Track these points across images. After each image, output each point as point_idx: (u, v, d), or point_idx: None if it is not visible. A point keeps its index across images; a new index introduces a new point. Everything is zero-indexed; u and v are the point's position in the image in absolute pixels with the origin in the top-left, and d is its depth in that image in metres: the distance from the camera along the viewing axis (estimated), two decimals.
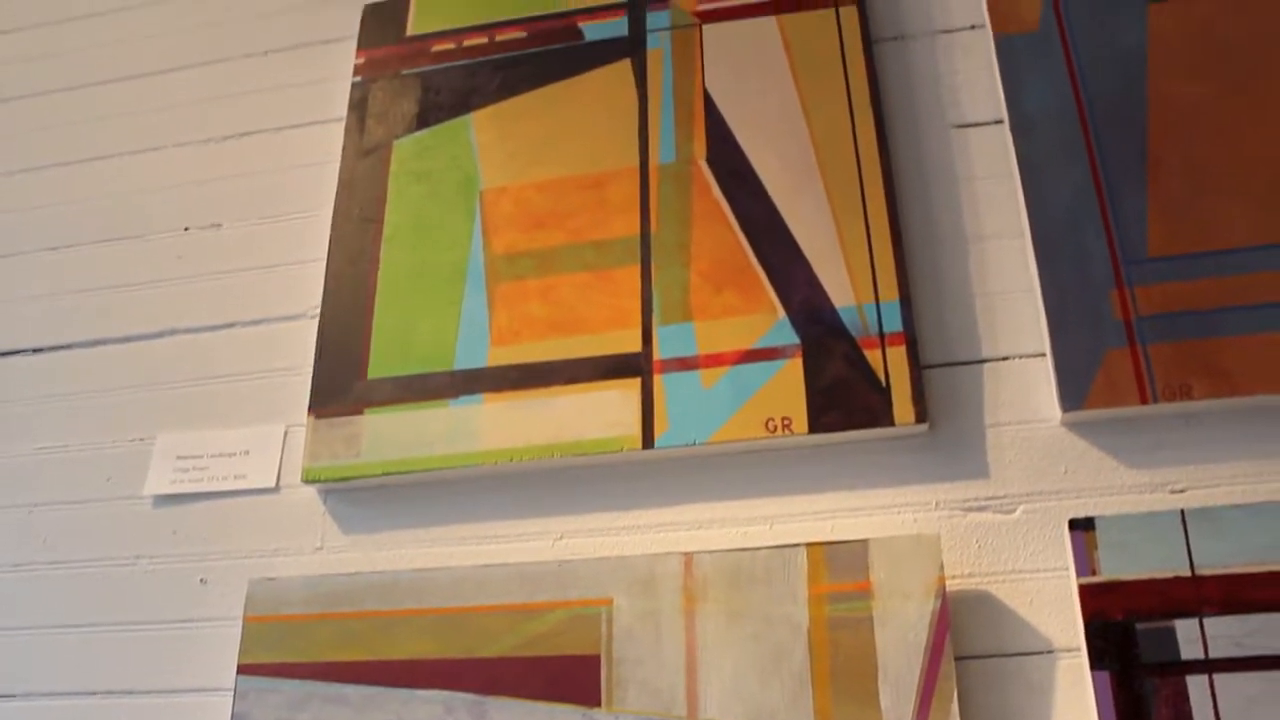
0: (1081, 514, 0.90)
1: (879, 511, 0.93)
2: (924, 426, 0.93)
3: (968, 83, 1.08)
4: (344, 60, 1.24)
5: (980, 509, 0.92)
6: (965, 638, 0.87)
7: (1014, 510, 0.92)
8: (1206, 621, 0.84)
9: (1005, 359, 0.97)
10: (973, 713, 0.85)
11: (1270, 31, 1.03)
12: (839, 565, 0.88)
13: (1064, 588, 0.87)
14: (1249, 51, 1.03)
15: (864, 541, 0.89)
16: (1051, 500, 0.91)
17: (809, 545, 0.90)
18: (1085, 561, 0.86)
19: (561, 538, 0.97)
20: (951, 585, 0.89)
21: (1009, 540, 0.91)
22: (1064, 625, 0.86)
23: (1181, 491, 0.91)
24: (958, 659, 0.87)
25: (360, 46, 1.21)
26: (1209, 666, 0.83)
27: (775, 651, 0.87)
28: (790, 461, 0.95)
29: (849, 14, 1.10)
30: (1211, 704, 0.82)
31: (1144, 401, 0.91)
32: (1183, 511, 0.87)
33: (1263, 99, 1.00)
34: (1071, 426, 0.94)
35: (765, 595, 0.89)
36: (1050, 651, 0.87)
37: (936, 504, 0.92)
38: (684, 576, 0.91)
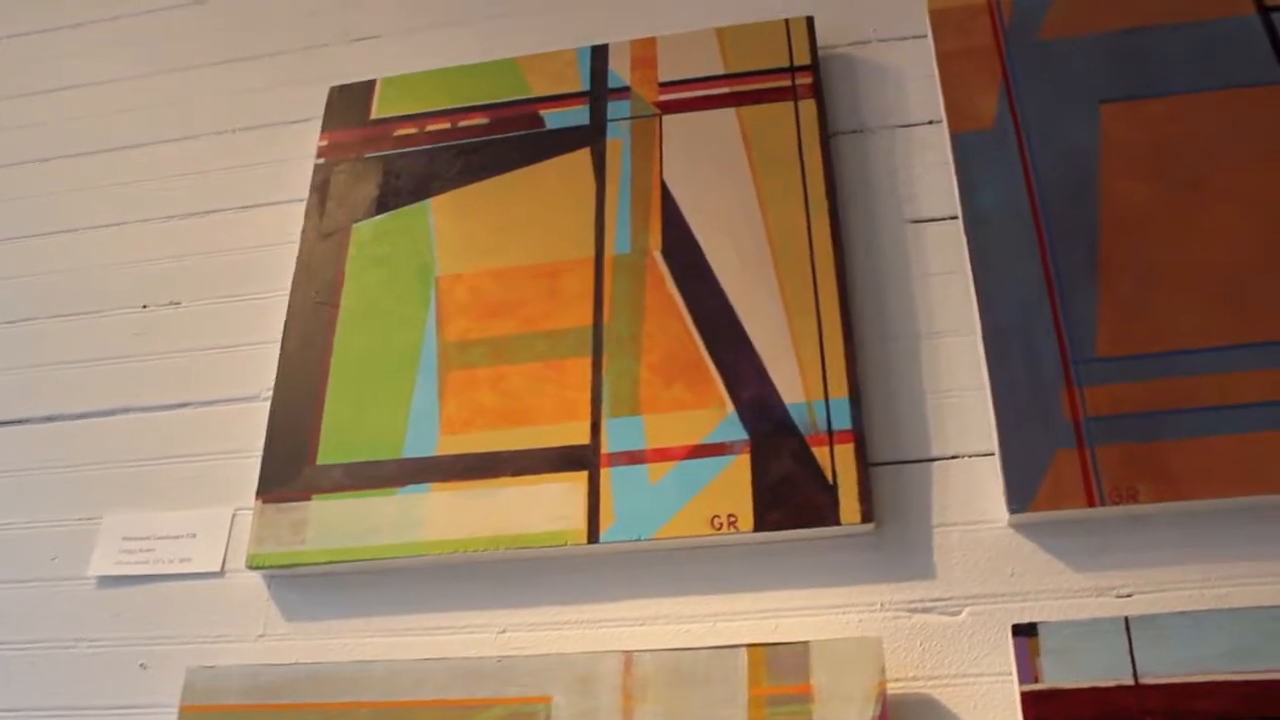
0: (1027, 618, 0.89)
1: (823, 611, 0.92)
2: (870, 526, 0.92)
3: (924, 178, 1.09)
4: (309, 140, 1.24)
5: (925, 610, 0.91)
6: None
7: (959, 612, 0.91)
8: None
9: (955, 458, 0.96)
10: None
11: (1217, 131, 1.04)
12: (779, 667, 0.87)
13: (1008, 694, 0.86)
14: (1198, 151, 1.03)
15: (805, 644, 0.88)
16: (998, 603, 0.91)
17: (750, 646, 0.88)
18: (1028, 668, 0.85)
19: (504, 631, 0.95)
20: (894, 689, 0.88)
21: (954, 643, 0.90)
22: None
23: (1128, 596, 0.90)
24: None
25: (324, 128, 1.21)
26: None
27: None
28: (735, 559, 0.94)
29: (807, 108, 1.10)
30: None
31: (1091, 504, 0.91)
32: (1127, 619, 0.86)
33: (1211, 199, 1.01)
34: (1019, 528, 0.93)
35: (705, 697, 0.88)
36: None
37: (881, 605, 0.91)
38: (623, 675, 0.89)
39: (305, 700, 0.93)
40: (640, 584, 0.95)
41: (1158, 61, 1.09)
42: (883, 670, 0.86)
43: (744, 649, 0.88)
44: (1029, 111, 1.07)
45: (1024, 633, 0.86)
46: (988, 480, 0.94)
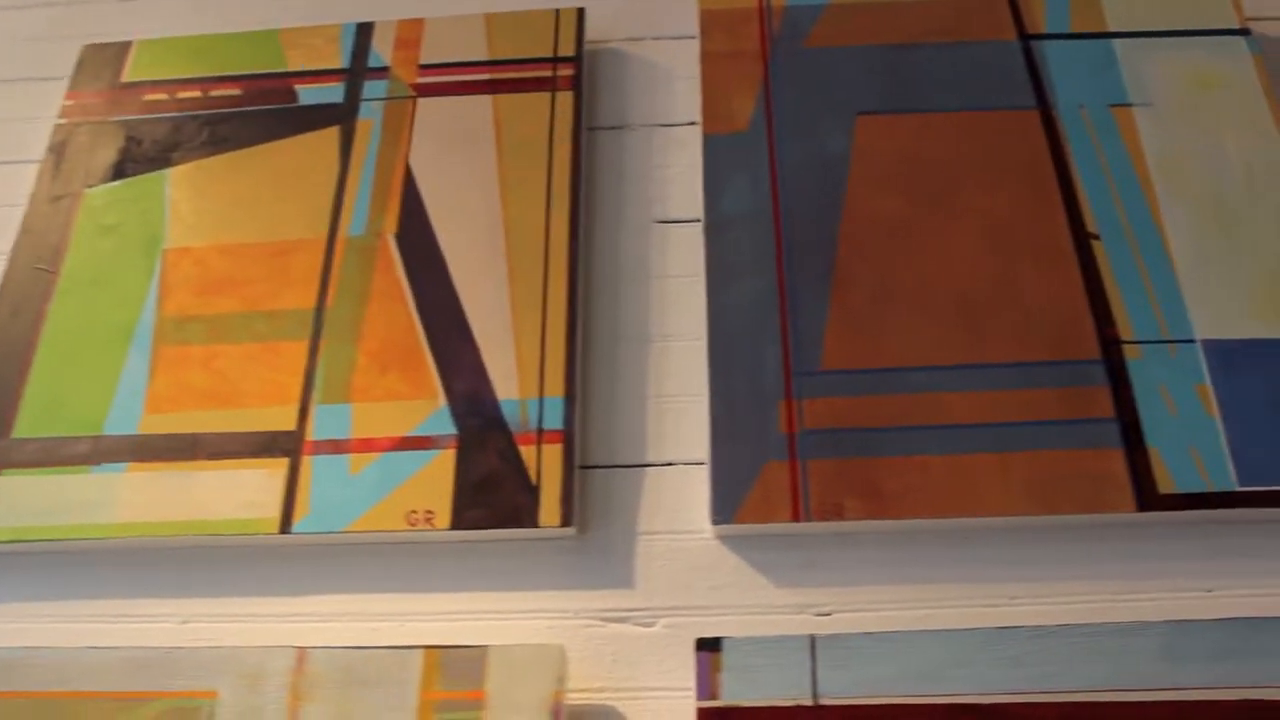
0: (722, 632, 0.85)
1: (516, 616, 0.88)
2: (571, 530, 0.88)
3: (678, 178, 1.06)
4: (57, 99, 1.17)
5: (620, 620, 0.88)
6: None
7: (654, 624, 0.87)
8: None
9: (670, 465, 0.93)
10: None
11: (967, 152, 1.03)
12: (454, 672, 0.83)
13: (690, 710, 0.82)
14: (945, 170, 1.02)
15: (483, 648, 0.84)
16: (694, 616, 0.87)
17: (426, 649, 0.84)
18: (707, 684, 0.82)
19: (188, 621, 0.90)
20: (577, 699, 0.84)
21: (645, 655, 0.86)
22: None
23: (828, 615, 0.87)
24: None
25: (72, 87, 1.15)
26: None
27: None
28: (431, 557, 0.90)
29: (564, 100, 1.07)
30: None
31: (796, 519, 0.88)
32: (813, 638, 0.83)
33: (952, 218, 0.99)
34: (725, 540, 0.90)
35: (375, 698, 0.83)
36: None
37: (576, 612, 0.88)
38: (294, 673, 0.85)
39: None
40: (331, 579, 0.91)
41: (918, 78, 1.07)
42: (561, 679, 0.82)
43: (420, 651, 0.84)
44: (785, 118, 1.05)
45: (708, 647, 0.83)
46: (699, 490, 0.91)
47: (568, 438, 0.91)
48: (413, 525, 0.89)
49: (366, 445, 0.92)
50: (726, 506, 0.89)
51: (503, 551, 0.90)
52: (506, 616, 0.88)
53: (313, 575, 0.91)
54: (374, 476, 0.90)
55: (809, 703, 0.82)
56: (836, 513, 0.88)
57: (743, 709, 0.82)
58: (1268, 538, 0.90)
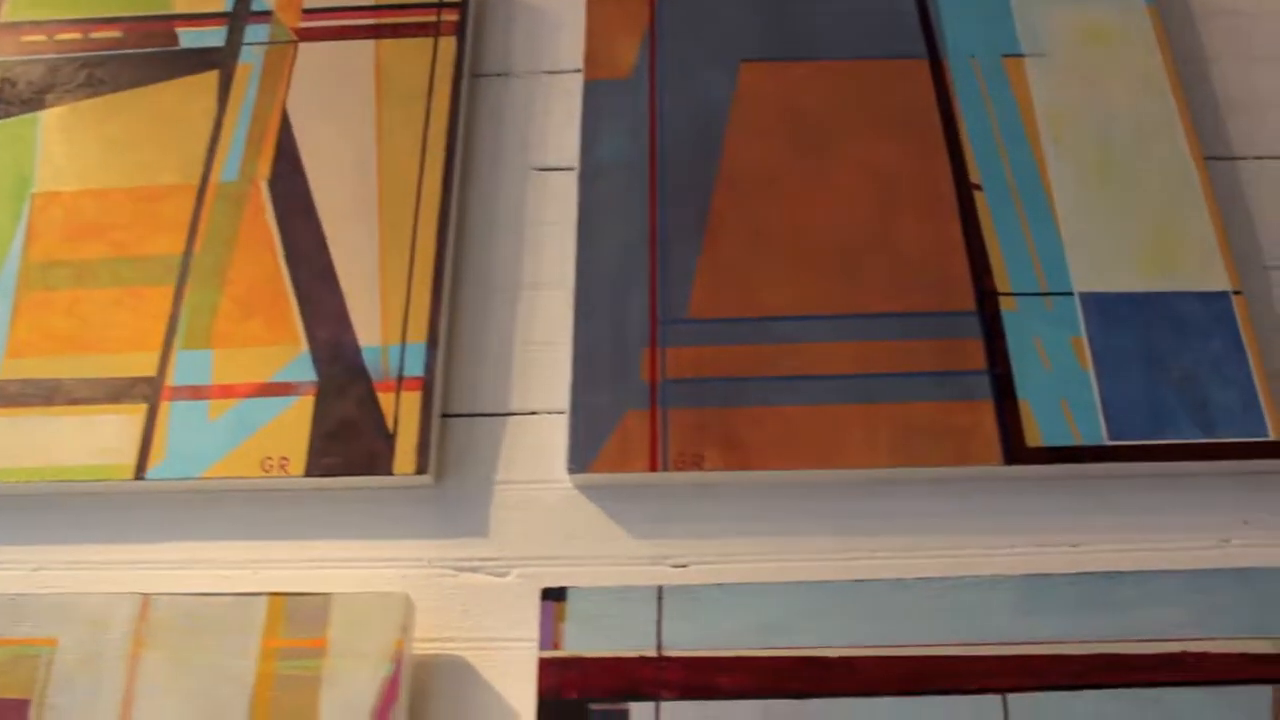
0: (578, 583, 0.84)
1: (369, 565, 0.86)
2: (427, 478, 0.87)
3: (559, 126, 1.04)
4: None
5: (474, 570, 0.86)
6: (429, 706, 0.81)
7: (507, 574, 0.86)
8: (664, 706, 0.78)
9: (533, 414, 0.91)
10: None
11: (854, 100, 1.01)
12: (298, 620, 0.82)
13: (534, 660, 0.81)
14: (830, 118, 1.00)
15: (327, 596, 0.82)
16: (548, 566, 0.86)
17: (270, 596, 0.82)
18: (550, 634, 0.80)
19: (39, 569, 0.89)
20: (426, 649, 0.83)
21: (496, 605, 0.85)
22: (527, 700, 0.79)
23: (684, 566, 0.86)
24: None
25: None
26: None
27: (214, 709, 0.80)
28: (286, 505, 0.89)
29: (447, 45, 1.05)
30: None
31: (654, 469, 0.86)
32: (660, 589, 0.82)
33: (834, 167, 0.98)
34: (583, 490, 0.88)
35: (218, 646, 0.82)
36: None
37: (430, 561, 0.86)
38: (137, 620, 0.83)
39: None
40: (185, 526, 0.89)
41: (807, 25, 1.05)
42: (404, 627, 0.80)
43: (264, 598, 0.83)
44: (669, 64, 1.03)
45: (553, 597, 0.82)
46: (560, 439, 0.90)
47: (427, 385, 0.89)
48: (267, 472, 0.87)
49: (226, 391, 0.90)
50: (583, 455, 0.87)
51: (358, 500, 0.88)
52: (359, 565, 0.87)
53: (166, 522, 0.90)
54: (231, 423, 0.89)
55: (653, 654, 0.80)
56: (695, 463, 0.86)
57: (585, 659, 0.80)
58: (1136, 493, 0.89)
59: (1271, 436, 0.89)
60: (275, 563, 0.87)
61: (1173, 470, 0.89)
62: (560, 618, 0.81)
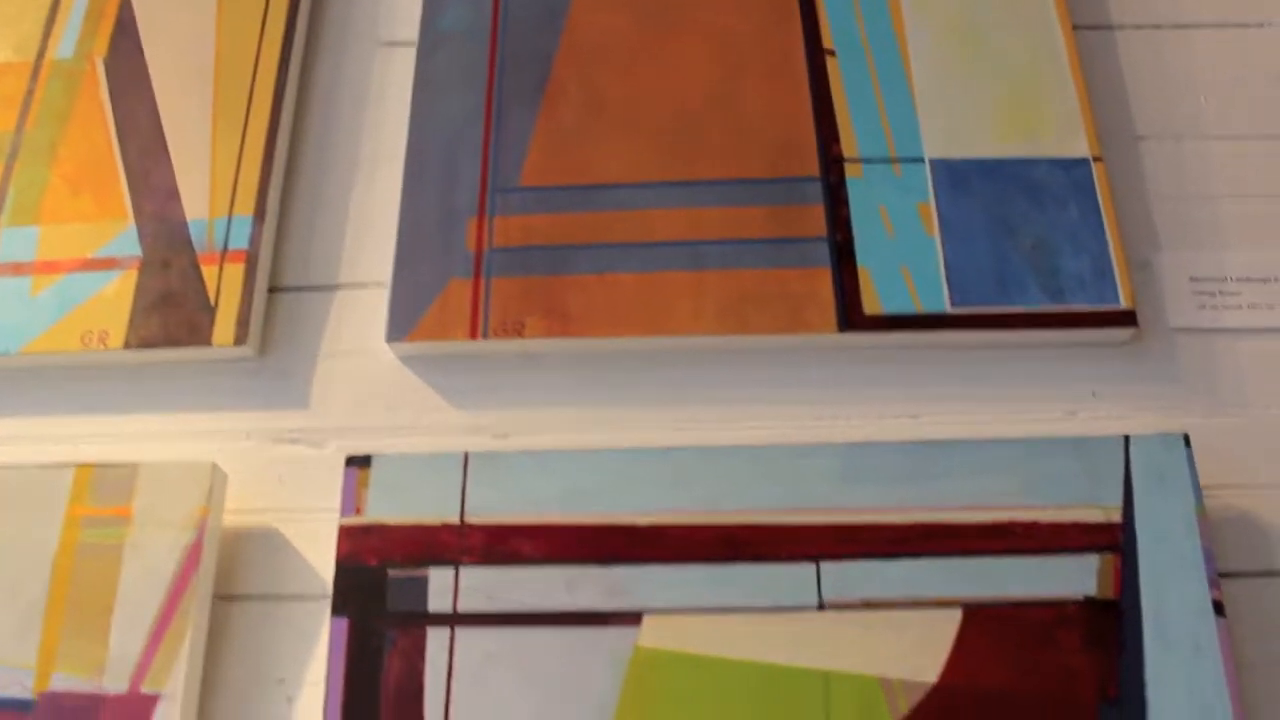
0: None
1: (188, 437, 0.85)
2: (248, 350, 0.86)
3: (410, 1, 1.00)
4: None
5: (292, 442, 0.85)
6: (237, 575, 0.80)
7: (326, 445, 0.84)
8: (463, 572, 0.77)
9: (362, 286, 0.89)
10: (223, 654, 0.81)
11: None
12: (104, 489, 0.81)
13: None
14: None
15: (134, 465, 0.80)
16: (367, 438, 0.85)
17: (78, 466, 0.81)
18: (353, 500, 0.79)
19: None
20: (240, 520, 0.82)
21: (313, 476, 0.84)
22: (331, 568, 0.78)
23: (505, 437, 0.83)
24: (224, 597, 0.79)
25: None
26: (454, 620, 0.75)
27: (16, 579, 0.79)
28: (106, 379, 0.88)
29: None
30: (447, 658, 0.74)
31: (474, 337, 0.84)
32: (466, 455, 0.80)
33: (680, 33, 0.95)
34: (406, 361, 0.86)
35: (23, 517, 0.81)
36: (316, 597, 0.82)
37: (249, 434, 0.85)
38: None
39: None
40: (5, 402, 0.88)
41: None
42: (210, 496, 0.79)
43: (72, 469, 0.81)
44: None
45: (357, 464, 0.80)
46: (384, 310, 0.86)
47: (251, 257, 0.88)
48: (87, 345, 0.86)
49: (50, 267, 0.89)
50: (402, 324, 0.85)
51: (178, 373, 0.87)
52: (179, 438, 0.86)
53: None
54: (53, 298, 0.88)
55: (455, 521, 0.78)
56: (517, 331, 0.84)
57: (386, 526, 0.78)
58: (981, 364, 0.87)
59: (1124, 305, 0.84)
60: (95, 437, 0.86)
61: (1020, 340, 0.86)
62: (363, 484, 0.79)
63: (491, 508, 0.79)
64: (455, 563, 0.77)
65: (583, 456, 0.80)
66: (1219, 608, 0.75)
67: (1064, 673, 0.74)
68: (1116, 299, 0.85)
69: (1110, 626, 0.75)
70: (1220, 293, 0.89)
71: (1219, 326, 0.87)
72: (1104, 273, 0.86)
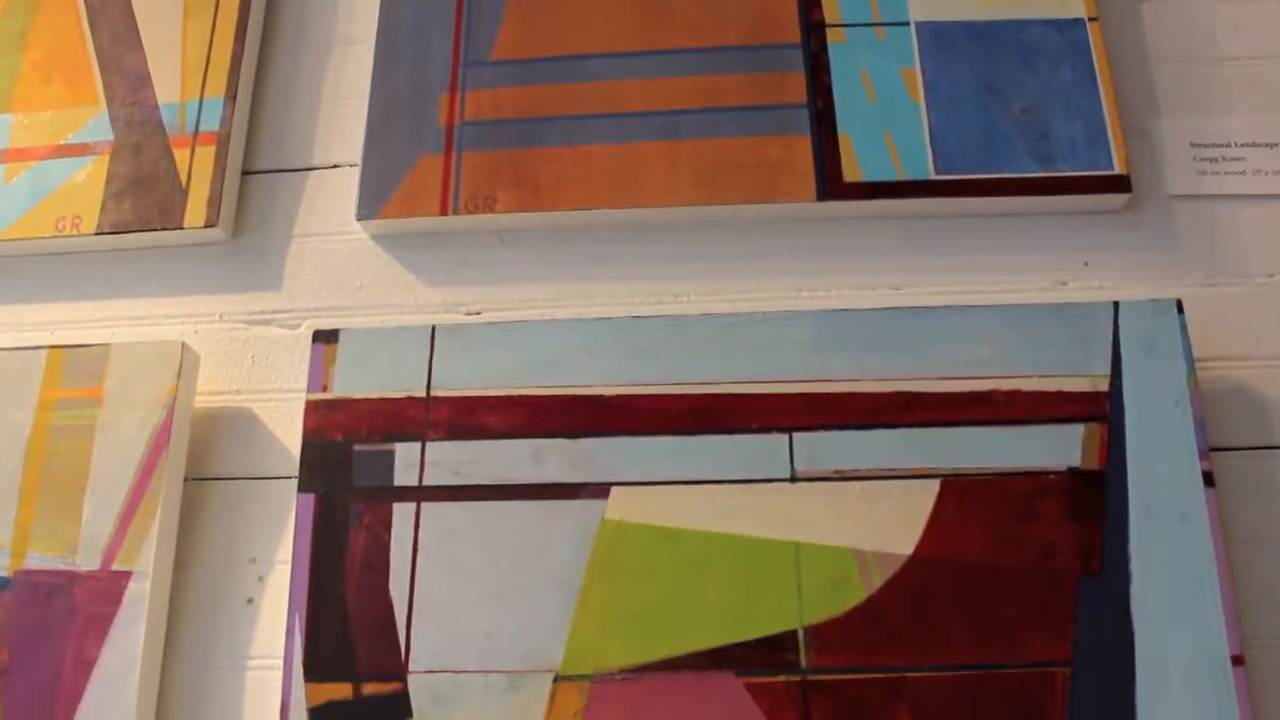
0: None
1: (162, 321, 0.85)
2: (220, 232, 0.85)
3: None
4: None
5: (265, 323, 0.84)
6: (209, 454, 0.80)
7: (299, 326, 0.83)
8: (429, 447, 0.76)
9: (335, 167, 0.88)
10: (197, 534, 0.81)
11: None
12: (76, 371, 0.81)
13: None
14: None
15: (106, 346, 0.80)
16: (340, 317, 0.84)
17: (50, 349, 0.81)
18: (320, 376, 0.78)
19: None
20: (212, 401, 0.82)
21: (286, 356, 0.83)
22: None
23: (477, 313, 0.82)
24: (199, 478, 0.78)
25: None
26: (419, 494, 0.74)
27: None
28: (80, 264, 0.87)
29: None
30: (413, 533, 0.74)
31: (444, 212, 0.83)
32: (433, 328, 0.78)
33: None
34: (378, 240, 0.85)
35: None
36: (289, 476, 0.81)
37: (222, 316, 0.84)
38: None
39: None
40: None
41: None
42: (179, 375, 0.78)
43: (44, 351, 0.81)
44: None
45: (324, 339, 0.79)
46: (355, 190, 0.85)
47: (223, 139, 0.87)
48: (60, 231, 0.85)
49: (23, 155, 0.88)
50: (373, 202, 0.84)
51: (152, 258, 0.86)
52: (153, 321, 0.85)
53: None
54: (27, 185, 0.87)
55: (421, 395, 0.77)
56: (488, 205, 0.83)
57: (352, 401, 0.78)
58: (968, 232, 0.83)
59: (1118, 170, 0.81)
60: (70, 323, 0.86)
61: (1008, 208, 0.83)
62: (330, 360, 0.79)
63: (458, 381, 0.78)
64: (421, 437, 0.76)
65: (550, 327, 0.79)
66: (1208, 478, 0.72)
67: (1045, 545, 0.72)
68: (1110, 164, 0.82)
69: (1094, 498, 0.73)
70: (1223, 159, 0.85)
71: (1220, 193, 0.83)
72: (1098, 138, 0.83)
